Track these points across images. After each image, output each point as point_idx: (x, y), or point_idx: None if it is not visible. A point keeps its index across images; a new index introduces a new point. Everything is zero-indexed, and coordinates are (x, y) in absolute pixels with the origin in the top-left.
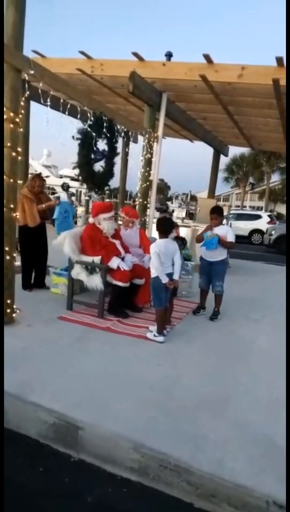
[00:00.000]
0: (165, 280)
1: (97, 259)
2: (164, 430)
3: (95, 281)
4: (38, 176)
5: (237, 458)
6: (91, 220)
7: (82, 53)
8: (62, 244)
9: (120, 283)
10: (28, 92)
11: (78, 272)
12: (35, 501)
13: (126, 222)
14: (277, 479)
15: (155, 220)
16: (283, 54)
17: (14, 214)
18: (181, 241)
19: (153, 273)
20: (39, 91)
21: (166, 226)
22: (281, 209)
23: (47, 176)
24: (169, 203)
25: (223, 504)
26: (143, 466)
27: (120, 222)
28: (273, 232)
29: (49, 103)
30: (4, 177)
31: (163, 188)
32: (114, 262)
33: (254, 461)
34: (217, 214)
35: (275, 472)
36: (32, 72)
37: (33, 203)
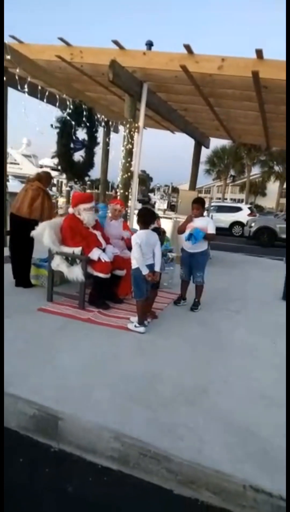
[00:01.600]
0: (145, 271)
1: (77, 250)
2: (144, 420)
3: (75, 272)
4: (51, 175)
5: (215, 446)
6: (70, 210)
7: (61, 39)
8: (41, 234)
9: (101, 275)
10: (4, 78)
11: (58, 264)
12: (15, 492)
13: (118, 214)
14: (254, 466)
15: (136, 211)
16: (262, 46)
17: None
18: (158, 232)
19: (134, 264)
20: (16, 78)
21: (147, 218)
22: (261, 201)
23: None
24: (151, 194)
25: (202, 489)
26: (123, 455)
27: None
28: (253, 224)
29: (26, 90)
30: None
31: (145, 179)
32: (95, 253)
33: (232, 449)
34: (198, 204)
35: (252, 460)
36: (8, 57)
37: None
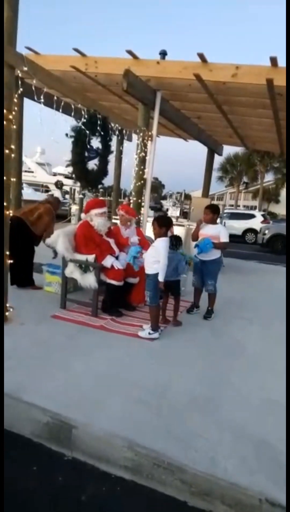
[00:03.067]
0: (162, 278)
1: (91, 257)
2: (157, 429)
3: (89, 280)
4: (60, 200)
5: (229, 457)
6: (83, 216)
7: (76, 50)
8: (55, 242)
9: (114, 282)
10: (21, 89)
11: (72, 271)
12: (29, 500)
13: (124, 220)
14: (269, 478)
15: (149, 219)
16: (277, 53)
17: (7, 212)
18: (177, 240)
19: (156, 269)
20: (33, 88)
21: (167, 223)
22: (275, 208)
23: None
24: (163, 201)
25: (217, 502)
26: (137, 465)
27: (115, 221)
28: (266, 232)
29: (42, 100)
30: None
31: (157, 186)
32: (108, 261)
33: (247, 460)
34: (209, 210)
35: (268, 471)
36: (25, 68)
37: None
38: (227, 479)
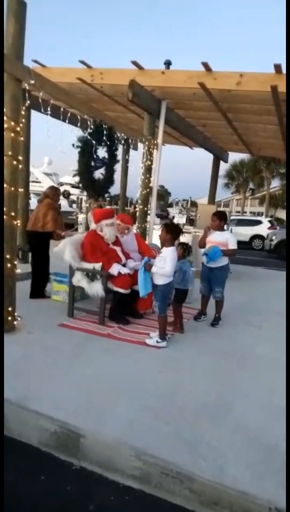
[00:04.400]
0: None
1: (98, 266)
2: (165, 437)
3: (96, 288)
4: (56, 188)
5: (238, 464)
6: (93, 226)
7: (82, 62)
8: (63, 251)
9: (121, 290)
10: (28, 101)
11: (79, 279)
12: (36, 510)
13: (121, 229)
14: (279, 485)
15: (155, 227)
16: (281, 61)
17: (15, 222)
18: (185, 247)
19: (165, 280)
20: (40, 100)
21: (176, 233)
22: (282, 214)
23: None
24: (169, 209)
25: (226, 511)
26: (145, 474)
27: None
28: (273, 238)
29: (49, 112)
30: (5, 185)
31: (163, 194)
32: (115, 269)
33: (256, 467)
34: (216, 216)
35: (277, 478)
36: (32, 81)
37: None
38: (236, 487)
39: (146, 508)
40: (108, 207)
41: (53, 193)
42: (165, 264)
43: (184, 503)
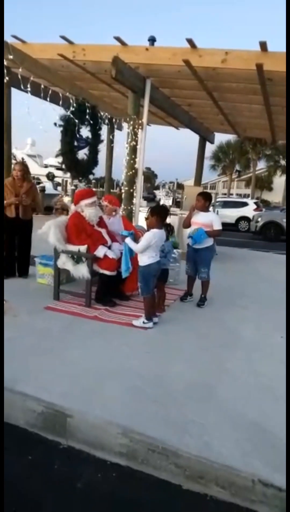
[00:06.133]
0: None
1: (83, 248)
2: (152, 416)
3: (81, 271)
4: (18, 162)
5: (224, 441)
6: (73, 207)
7: (64, 37)
8: (47, 233)
9: (107, 272)
10: (7, 78)
11: (64, 262)
12: (25, 490)
13: (109, 211)
14: (263, 460)
15: (141, 209)
16: (266, 38)
17: None
18: (168, 228)
19: (144, 261)
20: (19, 77)
21: (164, 215)
22: (268, 196)
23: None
24: (156, 191)
25: (211, 484)
26: (132, 451)
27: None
28: (259, 219)
29: (29, 89)
30: None
31: (150, 177)
32: (101, 251)
33: (240, 444)
34: (201, 196)
35: (261, 454)
36: (11, 57)
37: (10, 194)
38: (221, 462)
39: (133, 483)
40: (94, 189)
41: (20, 167)
42: (140, 242)
43: (170, 478)
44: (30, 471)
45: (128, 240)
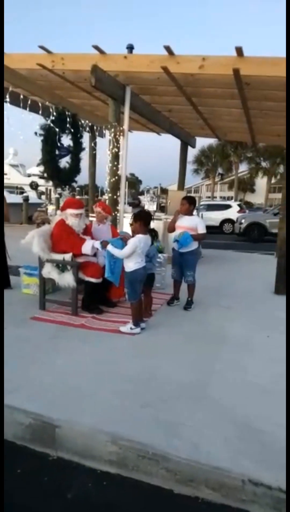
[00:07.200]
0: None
1: (68, 256)
2: (140, 421)
3: (67, 279)
4: None
5: (212, 442)
6: (59, 213)
7: (42, 47)
8: (30, 243)
9: (92, 279)
10: None
11: (49, 271)
12: (15, 503)
13: (100, 217)
14: (252, 458)
15: (126, 215)
16: (242, 44)
17: None
18: (152, 233)
19: (130, 267)
20: None
21: (148, 220)
22: (250, 197)
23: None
24: (141, 197)
25: (201, 487)
26: (122, 458)
27: (92, 218)
28: (243, 221)
29: (8, 100)
30: None
31: (134, 182)
32: (88, 245)
33: (229, 443)
34: (186, 200)
35: (250, 453)
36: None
37: None
38: (210, 463)
39: (125, 491)
40: (78, 197)
41: None
42: (125, 247)
43: (161, 483)
44: (20, 484)
45: (110, 248)
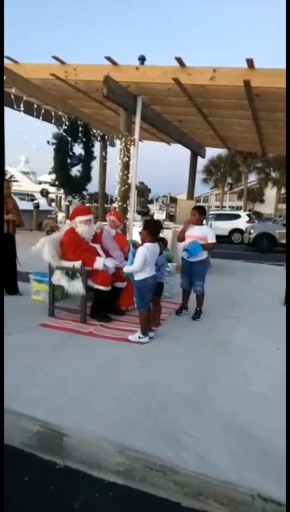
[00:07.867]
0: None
1: (77, 263)
2: (147, 431)
3: (76, 286)
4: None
5: (220, 454)
6: (68, 222)
7: (55, 58)
8: (41, 250)
9: (101, 287)
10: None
11: (59, 278)
12: (22, 511)
13: (114, 225)
14: (260, 473)
15: (135, 223)
16: (253, 55)
17: None
18: (162, 242)
19: (140, 276)
20: (12, 97)
21: (156, 230)
22: (260, 208)
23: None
24: (150, 206)
25: (210, 501)
26: (129, 469)
27: (105, 224)
28: (252, 231)
29: (22, 109)
30: None
31: (143, 191)
32: (99, 262)
33: (237, 456)
34: (196, 210)
35: (258, 466)
36: (4, 77)
37: None
38: (218, 476)
39: (131, 503)
40: (88, 205)
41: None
42: (135, 261)
43: (169, 496)
44: (27, 492)
45: (125, 269)
